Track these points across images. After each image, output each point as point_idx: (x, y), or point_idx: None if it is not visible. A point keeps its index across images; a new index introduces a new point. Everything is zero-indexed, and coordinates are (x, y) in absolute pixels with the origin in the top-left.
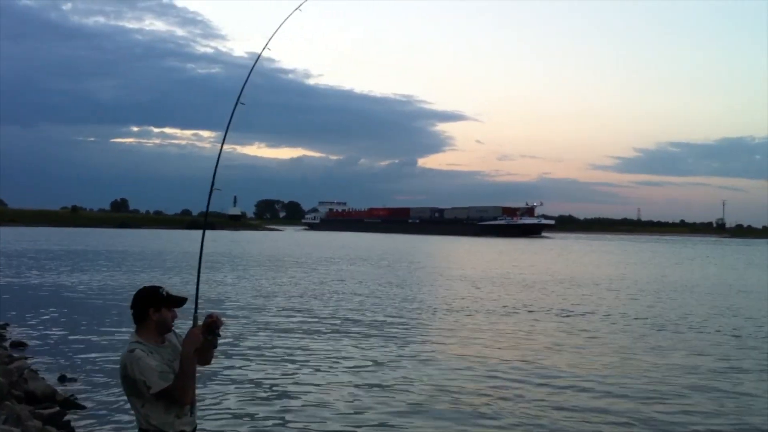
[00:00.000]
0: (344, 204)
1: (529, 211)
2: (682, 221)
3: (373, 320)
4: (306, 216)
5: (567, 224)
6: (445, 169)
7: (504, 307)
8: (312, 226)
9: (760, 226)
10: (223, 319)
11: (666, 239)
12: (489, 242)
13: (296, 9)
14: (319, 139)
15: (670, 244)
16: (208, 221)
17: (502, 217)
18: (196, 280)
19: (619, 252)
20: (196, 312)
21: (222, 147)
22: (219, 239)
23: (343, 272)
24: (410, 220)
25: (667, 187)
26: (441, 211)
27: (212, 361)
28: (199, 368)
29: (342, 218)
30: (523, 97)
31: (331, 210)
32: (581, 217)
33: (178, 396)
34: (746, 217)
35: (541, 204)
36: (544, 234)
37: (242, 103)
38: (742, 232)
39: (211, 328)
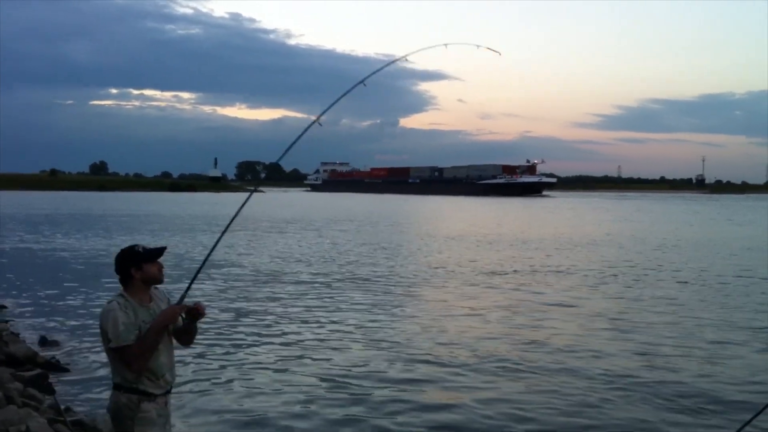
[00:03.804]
0: (347, 164)
1: (530, 169)
2: (662, 178)
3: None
4: (308, 177)
5: None
6: (426, 129)
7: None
8: (314, 188)
9: (739, 182)
10: (206, 311)
11: (653, 196)
12: (488, 203)
13: None
14: (300, 99)
15: (661, 201)
16: (187, 183)
17: (502, 175)
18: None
19: (623, 210)
20: (186, 291)
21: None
22: (201, 202)
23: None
24: (410, 180)
25: (648, 143)
26: (440, 170)
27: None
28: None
29: (343, 179)
30: (505, 55)
31: (333, 171)
32: (562, 175)
33: (130, 360)
34: (725, 172)
35: (543, 162)
36: (545, 193)
37: (319, 124)
38: (722, 188)
39: (192, 314)
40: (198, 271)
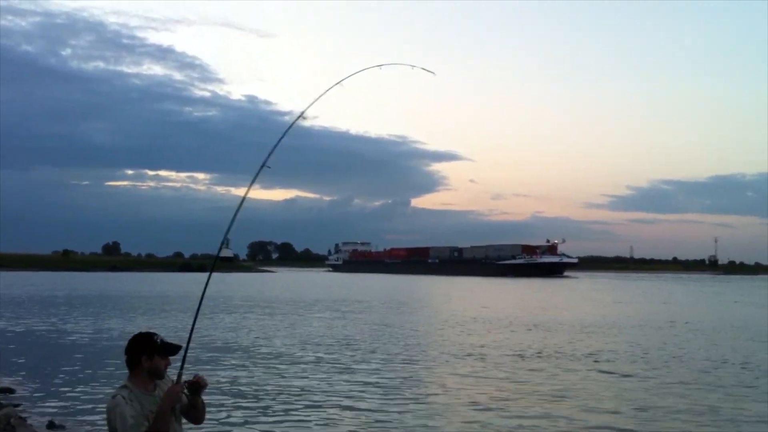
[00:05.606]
0: (368, 244)
1: (551, 249)
2: (675, 258)
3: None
4: (329, 258)
5: None
6: (438, 209)
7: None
8: (336, 268)
9: (752, 263)
10: (207, 380)
11: (669, 277)
12: (512, 284)
13: None
14: (313, 180)
15: (682, 282)
16: (199, 264)
17: (521, 255)
18: (188, 336)
19: (650, 292)
20: (181, 369)
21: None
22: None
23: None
24: (430, 261)
25: (660, 224)
26: (460, 250)
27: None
28: (192, 426)
29: (363, 259)
30: (516, 135)
31: (354, 251)
32: (574, 255)
33: None
34: (738, 253)
35: (563, 241)
36: (566, 273)
37: (268, 167)
38: (735, 268)
39: (194, 388)
40: (186, 349)
